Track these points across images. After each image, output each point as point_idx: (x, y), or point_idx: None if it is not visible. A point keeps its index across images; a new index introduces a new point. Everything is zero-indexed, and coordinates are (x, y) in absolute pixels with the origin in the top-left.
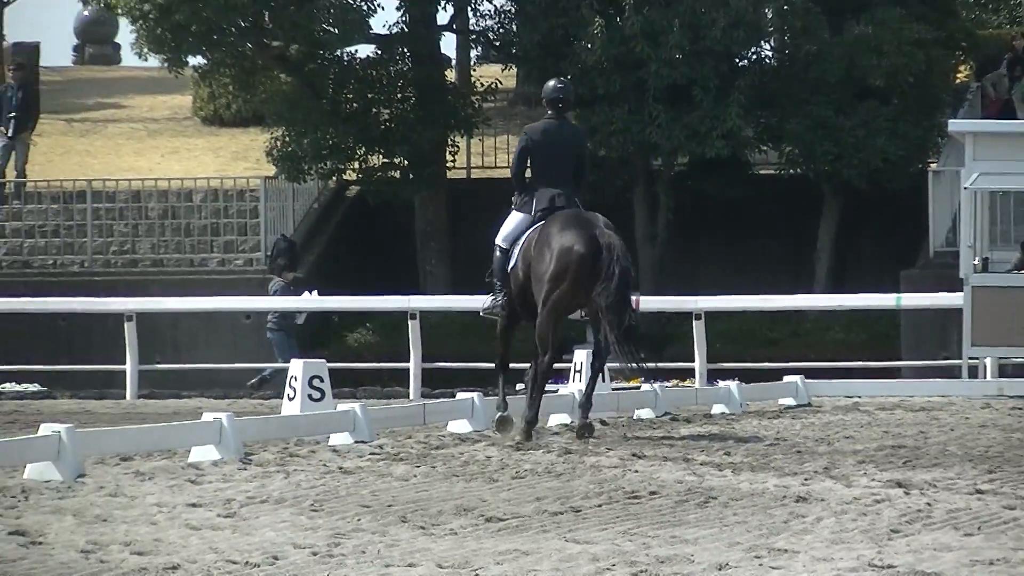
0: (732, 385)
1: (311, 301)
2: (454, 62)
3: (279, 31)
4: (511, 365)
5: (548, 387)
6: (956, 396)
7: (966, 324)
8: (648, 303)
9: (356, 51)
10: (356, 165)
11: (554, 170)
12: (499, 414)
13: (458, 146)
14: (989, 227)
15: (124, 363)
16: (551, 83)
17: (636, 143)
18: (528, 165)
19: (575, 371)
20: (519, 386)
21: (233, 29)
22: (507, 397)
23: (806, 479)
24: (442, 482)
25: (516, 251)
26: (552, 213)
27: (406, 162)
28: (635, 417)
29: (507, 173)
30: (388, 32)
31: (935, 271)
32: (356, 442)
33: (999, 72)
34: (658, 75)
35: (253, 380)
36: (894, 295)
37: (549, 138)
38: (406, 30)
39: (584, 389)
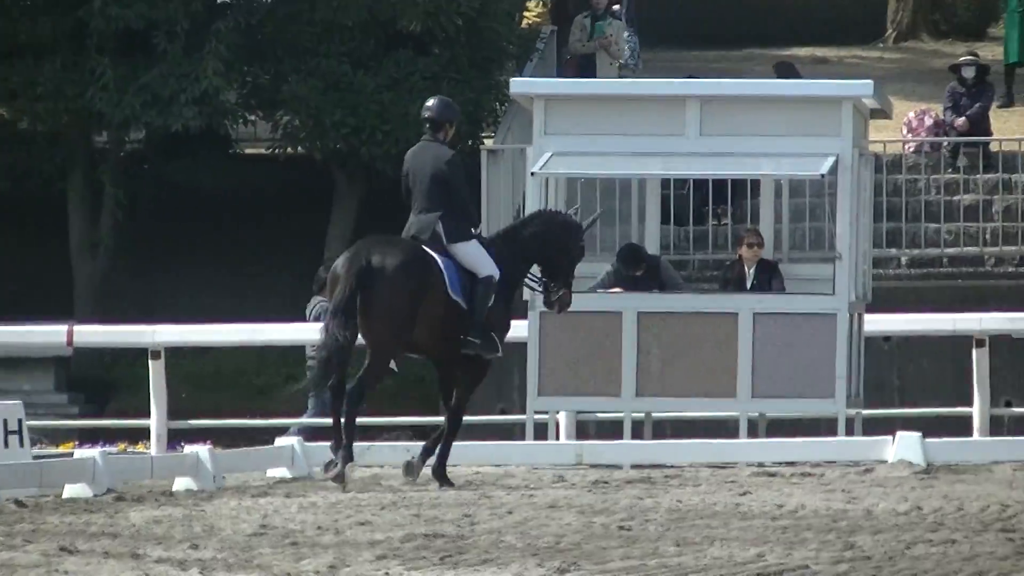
0: (203, 451)
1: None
2: None
3: None
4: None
5: None
6: (517, 465)
7: (531, 365)
8: (84, 336)
9: None
10: None
11: (420, 195)
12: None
13: None
14: None
15: None
16: (427, 102)
17: (72, 111)
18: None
19: None
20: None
21: None
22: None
23: None
24: None
25: None
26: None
27: None
28: (65, 496)
29: None
30: None
31: None
32: None
33: (582, 16)
34: (104, 15)
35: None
36: None
37: (414, 161)
38: None
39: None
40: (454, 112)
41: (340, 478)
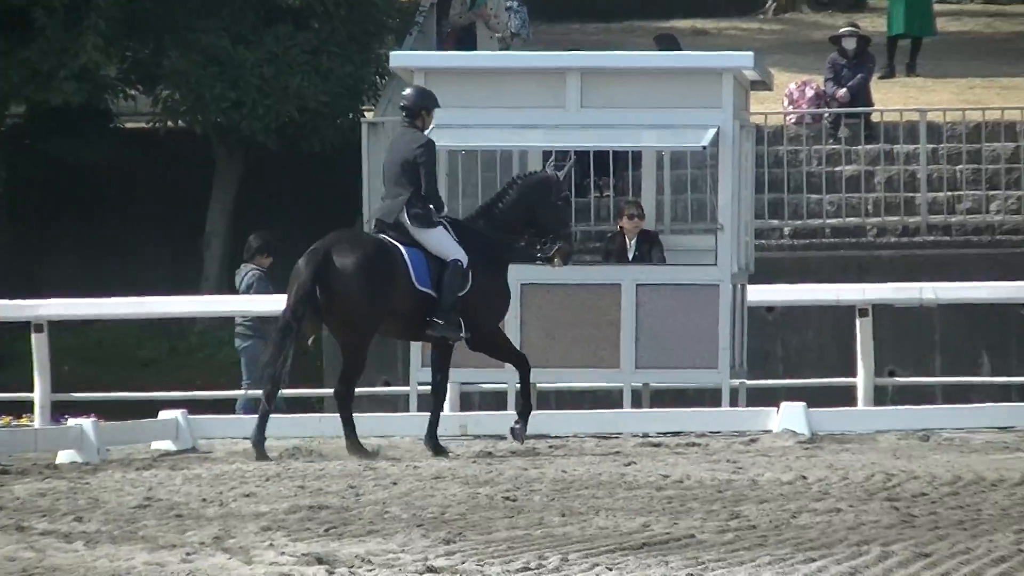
0: (87, 424)
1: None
2: None
3: None
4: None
5: None
6: (401, 436)
7: None
8: None
9: None
10: None
11: (391, 180)
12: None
13: None
14: (448, 201)
15: None
16: (404, 91)
17: None
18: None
19: None
20: None
21: None
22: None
23: (189, 553)
24: None
25: None
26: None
27: None
28: None
29: None
30: None
31: None
32: None
33: None
34: None
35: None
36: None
37: (391, 148)
38: None
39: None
40: (430, 99)
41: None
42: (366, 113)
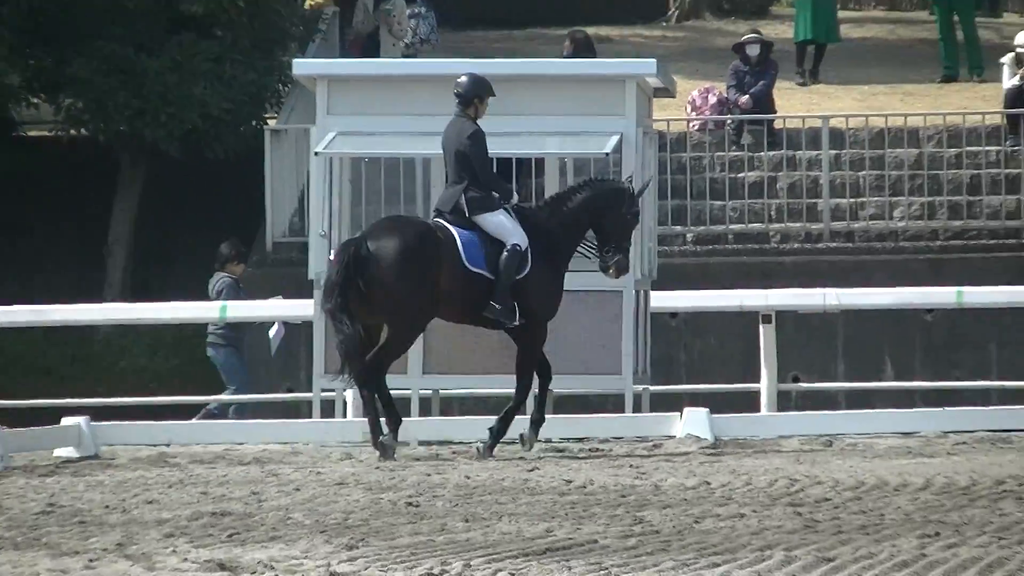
0: None
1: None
2: None
3: None
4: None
5: None
6: (304, 443)
7: (317, 343)
8: None
9: None
10: None
11: (448, 169)
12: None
13: None
14: (351, 208)
15: None
16: (458, 78)
17: None
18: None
19: None
20: None
21: None
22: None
23: (92, 560)
24: None
25: None
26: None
27: None
28: None
29: None
30: None
31: (276, 270)
32: None
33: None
34: None
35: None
36: (218, 304)
37: (444, 137)
38: None
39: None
40: (483, 87)
41: (387, 450)
42: (269, 121)
